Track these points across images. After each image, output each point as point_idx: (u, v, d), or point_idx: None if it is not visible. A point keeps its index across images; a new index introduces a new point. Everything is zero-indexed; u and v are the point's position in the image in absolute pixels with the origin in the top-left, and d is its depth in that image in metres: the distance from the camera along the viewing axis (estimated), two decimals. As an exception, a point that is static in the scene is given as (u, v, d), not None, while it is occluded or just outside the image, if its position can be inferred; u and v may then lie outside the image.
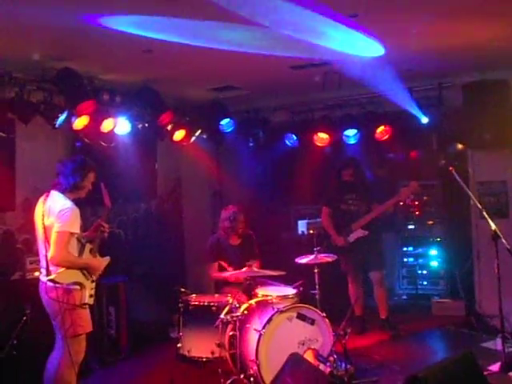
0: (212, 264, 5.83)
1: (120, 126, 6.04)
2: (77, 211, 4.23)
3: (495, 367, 4.81)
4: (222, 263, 5.80)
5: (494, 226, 4.58)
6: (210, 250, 5.87)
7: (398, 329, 6.26)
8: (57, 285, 4.10)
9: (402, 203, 6.26)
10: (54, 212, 4.16)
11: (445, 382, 3.40)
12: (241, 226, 5.82)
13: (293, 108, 7.50)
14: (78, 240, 4.27)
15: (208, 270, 5.86)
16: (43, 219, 4.19)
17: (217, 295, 5.22)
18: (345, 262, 6.35)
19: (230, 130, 7.43)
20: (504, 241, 4.53)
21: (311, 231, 7.06)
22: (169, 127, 6.62)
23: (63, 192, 4.28)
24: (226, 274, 5.18)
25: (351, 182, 6.34)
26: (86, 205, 4.77)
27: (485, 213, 4.71)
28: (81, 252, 4.30)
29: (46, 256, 4.12)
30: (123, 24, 4.19)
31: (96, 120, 5.66)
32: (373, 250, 6.30)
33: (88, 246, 4.35)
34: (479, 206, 4.87)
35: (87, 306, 4.27)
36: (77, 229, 4.21)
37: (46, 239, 4.16)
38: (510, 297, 5.89)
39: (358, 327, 6.14)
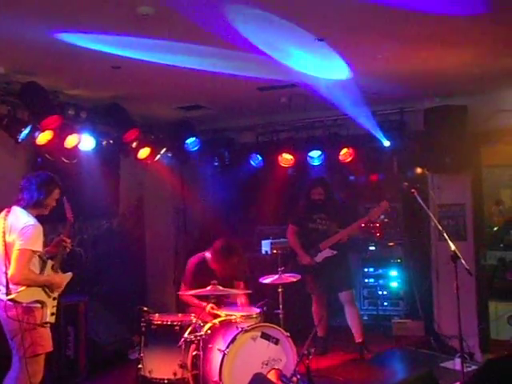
0: (185, 287, 5.41)
1: (84, 142, 5.98)
2: (40, 229, 4.16)
3: (454, 387, 4.90)
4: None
5: (453, 247, 4.70)
6: (191, 274, 5.43)
7: (373, 350, 6.29)
8: (17, 303, 4.00)
9: (370, 223, 6.21)
10: (17, 229, 4.07)
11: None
12: (230, 263, 5.27)
13: (259, 129, 7.59)
14: (40, 257, 4.19)
15: (181, 289, 5.49)
16: (4, 236, 4.10)
17: (180, 314, 5.16)
18: (310, 281, 6.31)
19: (195, 148, 7.44)
20: (463, 261, 4.65)
21: (275, 251, 7.08)
22: (134, 145, 6.59)
23: (25, 208, 4.20)
24: (191, 292, 5.13)
25: (320, 201, 6.31)
26: (46, 221, 4.68)
27: (445, 234, 4.83)
28: (42, 269, 4.22)
29: (6, 274, 4.03)
30: (90, 41, 4.18)
31: (60, 135, 5.60)
32: (341, 269, 6.26)
33: (50, 263, 4.27)
34: (440, 227, 5.00)
35: (48, 325, 4.18)
36: (39, 247, 4.13)
37: (7, 256, 4.06)
38: (467, 317, 6.07)
39: (320, 348, 6.10)
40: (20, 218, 4.13)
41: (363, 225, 6.20)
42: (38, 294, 4.12)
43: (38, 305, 4.10)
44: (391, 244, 7.71)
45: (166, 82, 5.57)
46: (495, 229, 7.57)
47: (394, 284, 7.70)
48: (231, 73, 5.13)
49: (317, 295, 6.38)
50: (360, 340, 6.26)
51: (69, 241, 4.46)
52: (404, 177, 7.31)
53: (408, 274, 7.50)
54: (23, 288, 4.03)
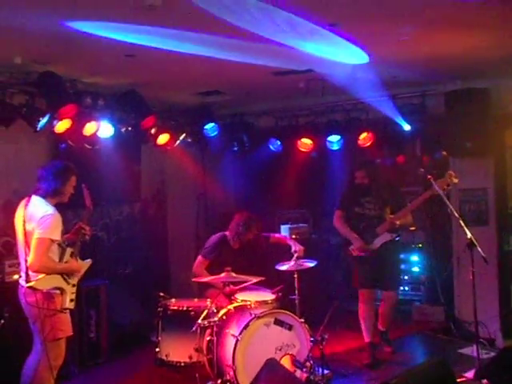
0: (204, 259, 5.65)
1: (103, 129, 6.05)
2: (58, 217, 4.25)
3: (470, 374, 4.88)
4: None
5: (469, 235, 4.65)
6: (213, 246, 5.69)
7: (394, 346, 6.04)
8: (36, 290, 4.12)
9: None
10: (36, 218, 4.17)
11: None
12: (251, 236, 5.66)
13: (277, 113, 7.56)
14: (59, 245, 4.29)
15: (196, 262, 5.69)
16: (24, 224, 4.21)
17: (196, 300, 5.25)
18: (360, 274, 5.71)
19: (214, 134, 7.45)
20: (479, 249, 4.60)
21: (293, 236, 7.09)
22: (152, 131, 6.64)
23: (44, 197, 4.29)
24: (205, 279, 5.21)
25: (364, 185, 5.82)
26: (68, 207, 4.78)
27: (461, 221, 4.77)
28: (62, 256, 4.32)
29: (26, 261, 4.14)
30: (102, 29, 4.21)
31: (78, 123, 5.67)
32: (393, 264, 5.77)
33: (69, 250, 4.37)
34: (456, 214, 4.94)
35: (68, 311, 4.29)
36: (58, 236, 4.22)
37: (27, 244, 4.18)
38: (488, 303, 6.01)
39: (369, 357, 5.65)
40: (39, 207, 4.23)
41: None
42: (58, 281, 4.23)
43: (58, 291, 4.22)
44: (413, 229, 7.64)
45: (183, 70, 5.57)
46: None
47: (415, 269, 7.66)
48: (245, 61, 5.10)
49: (366, 292, 5.72)
50: (383, 328, 6.00)
51: (88, 228, 4.54)
52: (425, 161, 7.21)
53: (429, 259, 7.46)
54: (42, 275, 4.14)
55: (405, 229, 6.13)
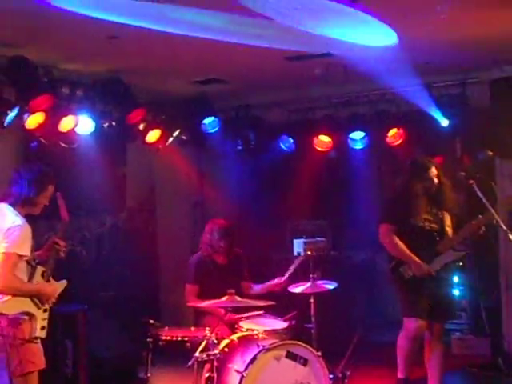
0: (192, 286, 5.79)
1: (82, 124, 6.10)
2: (28, 230, 4.25)
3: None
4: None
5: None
6: (193, 268, 5.85)
7: None
8: (1, 315, 4.14)
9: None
10: (2, 229, 4.19)
11: None
12: (227, 245, 5.84)
13: (290, 106, 7.60)
14: (28, 262, 4.30)
15: (186, 293, 5.83)
16: None
17: (193, 328, 5.24)
18: (410, 300, 5.40)
19: (214, 130, 7.50)
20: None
21: (309, 252, 7.08)
22: (141, 126, 6.68)
23: (14, 205, 4.31)
24: (204, 304, 5.22)
25: (434, 188, 5.46)
26: (40, 218, 4.81)
27: (510, 235, 4.77)
28: (31, 276, 4.32)
29: (-13, 279, 4.16)
30: (82, 6, 4.24)
31: (53, 117, 5.72)
32: (448, 289, 5.61)
33: (40, 269, 4.37)
34: (503, 226, 4.94)
35: (39, 341, 4.30)
36: (27, 251, 4.23)
37: (-11, 260, 4.19)
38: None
39: None
40: (6, 217, 4.24)
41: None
42: (26, 304, 4.22)
43: (26, 317, 4.22)
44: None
45: (175, 53, 5.62)
46: None
47: (454, 292, 7.64)
48: (252, 43, 5.14)
49: (415, 321, 5.33)
50: None
51: (63, 243, 4.54)
52: (467, 163, 7.20)
53: (472, 281, 7.44)
54: (8, 297, 4.15)
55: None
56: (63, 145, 6.13)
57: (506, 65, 6.45)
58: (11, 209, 4.29)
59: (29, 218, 4.35)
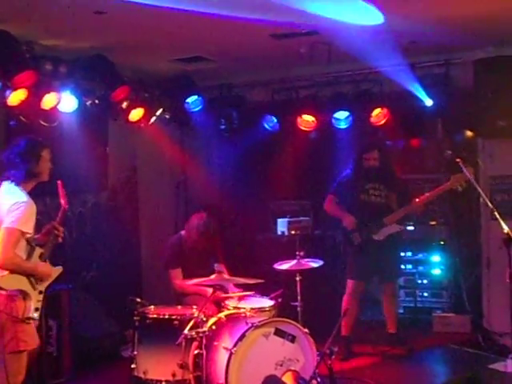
0: (174, 270, 5.87)
1: (64, 102, 6.01)
2: (33, 207, 4.24)
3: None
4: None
5: (506, 229, 4.70)
6: (172, 252, 5.94)
7: (410, 344, 6.45)
8: (-2, 289, 4.11)
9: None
10: (8, 204, 4.16)
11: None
12: (209, 235, 5.89)
13: (274, 85, 7.59)
14: (28, 241, 4.27)
15: (170, 277, 5.89)
16: None
17: (180, 307, 5.25)
18: (357, 265, 6.33)
19: (197, 109, 7.46)
20: (519, 245, 4.65)
21: (293, 232, 7.12)
22: (124, 105, 6.61)
23: (18, 184, 4.28)
24: (192, 282, 5.21)
25: (374, 168, 6.32)
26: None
27: (496, 213, 4.83)
28: (29, 256, 4.29)
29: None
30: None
31: (36, 94, 5.62)
32: (392, 255, 6.43)
33: (38, 250, 4.35)
34: (490, 204, 4.99)
35: (31, 321, 4.27)
36: (30, 228, 4.21)
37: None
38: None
39: (342, 351, 6.03)
40: (10, 194, 4.22)
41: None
42: (23, 283, 4.20)
43: (20, 296, 4.19)
44: (433, 223, 7.70)
45: (161, 29, 5.56)
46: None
47: (435, 271, 7.72)
48: (238, 16, 5.10)
49: (354, 281, 6.34)
50: (392, 331, 6.46)
51: (61, 229, 4.55)
52: (449, 143, 7.26)
53: (453, 260, 7.52)
54: (6, 273, 4.12)
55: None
56: (44, 123, 6.03)
57: (490, 45, 6.47)
58: (15, 187, 4.28)
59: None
